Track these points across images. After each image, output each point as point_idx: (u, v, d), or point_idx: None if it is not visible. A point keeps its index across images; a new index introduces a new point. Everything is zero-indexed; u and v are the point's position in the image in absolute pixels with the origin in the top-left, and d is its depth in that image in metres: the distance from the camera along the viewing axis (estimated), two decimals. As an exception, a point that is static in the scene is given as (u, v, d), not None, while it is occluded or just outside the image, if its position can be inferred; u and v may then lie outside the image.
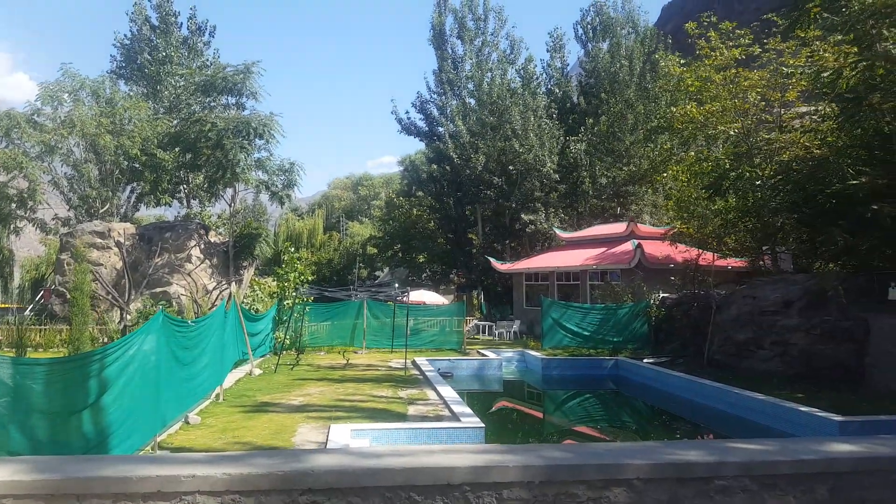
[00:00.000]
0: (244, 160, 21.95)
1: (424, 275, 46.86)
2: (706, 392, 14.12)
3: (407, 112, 41.59)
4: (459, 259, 40.53)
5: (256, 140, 23.20)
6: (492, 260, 33.61)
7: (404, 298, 20.09)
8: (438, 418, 10.13)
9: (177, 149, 27.16)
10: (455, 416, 10.05)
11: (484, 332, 29.40)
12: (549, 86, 40.63)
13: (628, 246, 26.20)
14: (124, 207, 30.82)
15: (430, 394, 12.56)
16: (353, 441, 8.49)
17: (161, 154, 27.20)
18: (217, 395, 11.89)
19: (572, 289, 29.09)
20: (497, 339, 27.85)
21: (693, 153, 17.43)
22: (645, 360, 18.94)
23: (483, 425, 9.32)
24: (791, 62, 14.17)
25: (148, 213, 37.60)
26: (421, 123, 40.84)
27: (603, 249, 28.48)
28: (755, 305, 16.22)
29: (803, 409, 10.64)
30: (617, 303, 22.89)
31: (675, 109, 17.98)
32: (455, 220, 40.62)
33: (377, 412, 10.71)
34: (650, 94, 33.48)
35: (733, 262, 23.92)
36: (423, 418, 10.16)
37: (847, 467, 2.76)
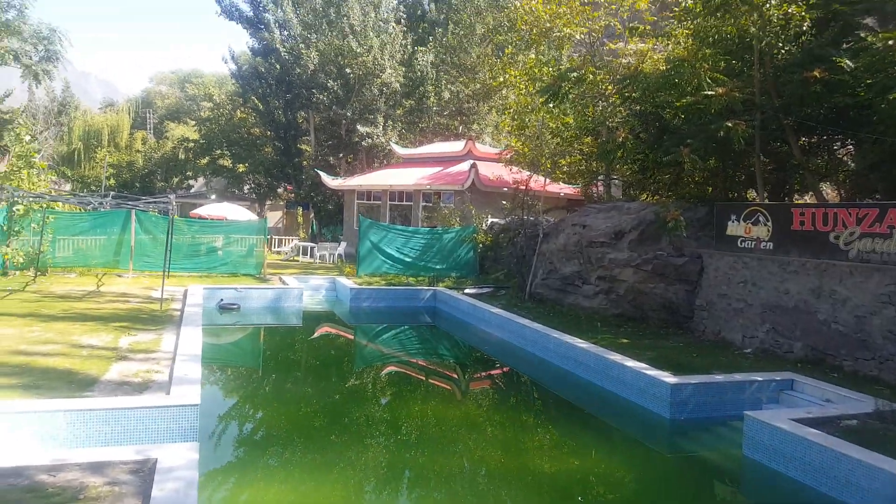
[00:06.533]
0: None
1: (247, 187, 41.65)
2: (524, 334, 12.26)
3: (228, -12, 35.28)
4: (288, 171, 36.17)
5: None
6: (322, 174, 30.03)
7: (194, 212, 16.01)
8: (142, 387, 6.88)
9: None
10: (168, 384, 6.88)
11: (306, 255, 26.17)
12: (397, -13, 36.38)
13: (465, 166, 24.11)
14: None
15: (167, 342, 9.20)
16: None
17: None
18: None
19: (406, 210, 26.66)
20: (318, 261, 24.86)
21: (533, 56, 14.97)
22: (465, 291, 17.03)
23: (197, 402, 6.19)
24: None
25: None
26: (245, 6, 34.98)
27: (439, 168, 26.24)
28: (584, 235, 14.60)
29: (630, 364, 8.84)
30: (445, 226, 20.76)
31: (519, 5, 15.27)
32: (284, 126, 36.06)
33: (51, 374, 7.18)
34: (500, 3, 30.76)
35: (567, 189, 22.62)
36: (118, 387, 6.85)
37: None
